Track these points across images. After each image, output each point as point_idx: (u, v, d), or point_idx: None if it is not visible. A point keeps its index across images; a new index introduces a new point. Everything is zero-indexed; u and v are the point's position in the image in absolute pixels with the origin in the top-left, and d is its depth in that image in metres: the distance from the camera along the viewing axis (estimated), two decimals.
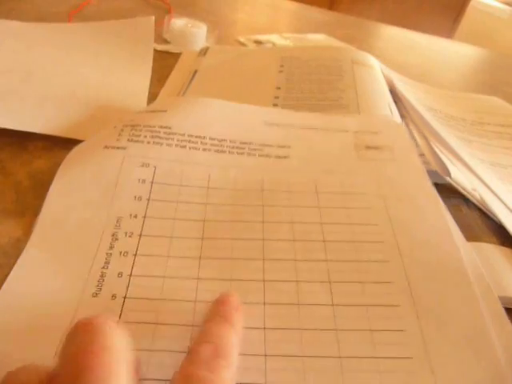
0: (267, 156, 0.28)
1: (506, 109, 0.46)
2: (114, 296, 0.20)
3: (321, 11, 0.76)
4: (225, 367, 0.15)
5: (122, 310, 0.19)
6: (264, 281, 0.21)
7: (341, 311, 0.20)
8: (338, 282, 0.21)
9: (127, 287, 0.20)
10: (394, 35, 0.74)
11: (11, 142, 0.29)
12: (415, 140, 0.34)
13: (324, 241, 0.23)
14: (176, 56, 0.46)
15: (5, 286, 0.20)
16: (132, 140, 0.27)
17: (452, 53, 0.69)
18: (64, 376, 0.13)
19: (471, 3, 1.65)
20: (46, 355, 0.17)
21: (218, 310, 0.18)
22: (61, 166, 0.26)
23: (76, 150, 0.27)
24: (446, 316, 0.20)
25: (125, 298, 0.20)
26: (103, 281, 0.20)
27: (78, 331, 0.14)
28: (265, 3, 0.76)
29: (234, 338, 0.17)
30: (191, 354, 0.16)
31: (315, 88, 0.37)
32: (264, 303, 0.20)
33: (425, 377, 0.18)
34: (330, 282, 0.21)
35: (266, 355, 0.18)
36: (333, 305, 0.20)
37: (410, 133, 0.35)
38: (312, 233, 0.24)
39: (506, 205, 0.29)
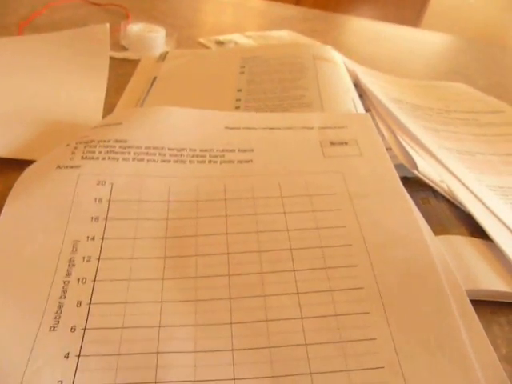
0: (229, 162, 0.27)
1: (471, 94, 0.47)
2: (73, 328, 0.19)
3: (285, 6, 0.75)
4: None
5: (82, 343, 0.18)
6: (230, 299, 0.20)
7: (310, 324, 0.19)
8: (306, 292, 0.20)
9: (87, 317, 0.19)
10: (359, 27, 0.74)
11: None
12: (382, 134, 0.33)
13: (291, 249, 0.22)
14: (135, 63, 0.44)
15: None
16: (86, 157, 0.26)
17: (417, 41, 0.70)
18: None
19: None
20: None
21: None
22: (11, 191, 0.25)
23: (27, 172, 0.26)
24: (416, 319, 0.19)
25: (84, 329, 0.19)
26: (61, 312, 0.19)
27: None
28: (229, 2, 0.75)
29: None
30: None
31: (277, 87, 0.36)
32: (231, 323, 0.19)
33: None
34: (298, 294, 0.20)
35: (234, 379, 0.17)
36: (302, 318, 0.19)
37: (377, 126, 0.34)
38: (279, 241, 0.23)
39: (473, 193, 0.29)
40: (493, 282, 0.23)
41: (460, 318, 0.19)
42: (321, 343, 0.19)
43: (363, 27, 0.73)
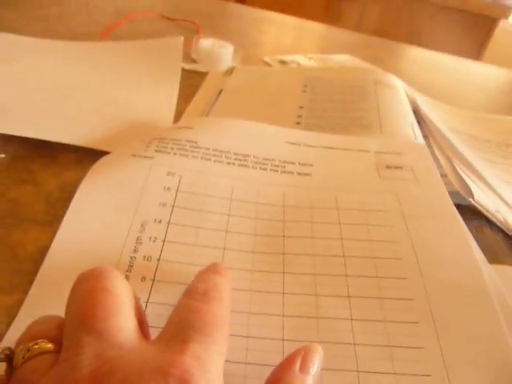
0: (289, 173, 0.29)
1: None
2: None
3: (346, 32, 0.77)
4: (217, 300, 0.16)
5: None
6: (284, 293, 0.21)
7: (359, 326, 0.20)
8: (356, 296, 0.21)
9: (149, 292, 0.21)
10: (419, 56, 0.74)
11: (43, 155, 0.31)
12: (438, 160, 0.34)
13: (344, 256, 0.23)
14: (203, 75, 0.47)
15: (33, 287, 0.20)
16: (159, 151, 0.28)
17: (478, 74, 0.69)
18: (70, 319, 0.15)
19: (500, 24, 1.64)
20: None
21: (208, 268, 0.19)
22: (88, 173, 0.27)
23: (103, 159, 0.28)
24: (465, 335, 0.20)
25: (147, 302, 0.20)
26: None
27: (83, 279, 0.16)
28: (291, 25, 0.78)
29: (224, 282, 0.18)
30: (188, 290, 0.17)
31: (338, 107, 0.37)
32: (283, 315, 0.20)
33: None
34: (349, 297, 0.21)
35: None
36: (351, 319, 0.20)
37: (433, 153, 0.35)
38: (332, 248, 0.24)
39: None
40: None
41: (509, 336, 0.19)
42: (369, 345, 0.19)
43: (424, 57, 0.74)
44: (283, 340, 0.19)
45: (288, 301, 0.21)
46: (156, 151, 0.28)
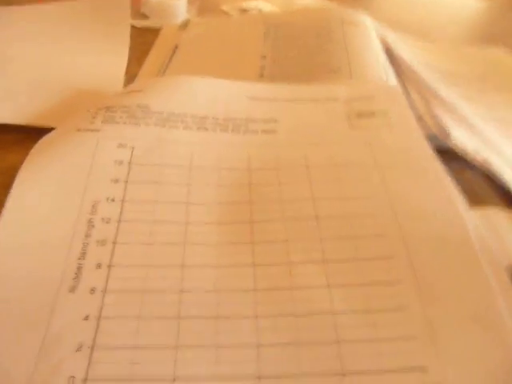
0: (253, 132, 0.26)
1: (509, 60, 0.44)
2: (92, 290, 0.19)
3: None
4: None
5: (102, 305, 0.18)
6: (254, 265, 0.20)
7: (337, 293, 0.18)
8: (333, 260, 0.20)
9: (107, 279, 0.19)
10: None
11: None
12: (413, 102, 0.32)
13: (317, 217, 0.22)
14: (156, 32, 0.43)
15: None
16: (107, 121, 0.25)
17: (452, 4, 0.66)
18: None
19: None
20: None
21: None
22: (30, 153, 0.24)
23: (45, 137, 0.26)
24: (450, 292, 0.18)
25: (104, 291, 0.19)
26: (80, 273, 0.19)
27: None
28: None
29: None
30: None
31: (303, 53, 0.34)
32: (255, 290, 0.19)
33: (431, 356, 0.16)
34: (324, 262, 0.20)
35: (258, 345, 0.17)
36: (328, 286, 0.19)
37: (407, 95, 0.32)
38: (304, 209, 0.22)
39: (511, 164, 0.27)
40: None
41: (497, 290, 0.18)
42: (348, 312, 0.18)
43: None
44: (256, 317, 0.18)
45: (259, 273, 0.19)
46: (103, 122, 0.25)
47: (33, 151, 0.24)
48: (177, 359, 0.17)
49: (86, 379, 0.16)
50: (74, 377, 0.16)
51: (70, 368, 0.16)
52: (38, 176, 0.23)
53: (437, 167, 0.24)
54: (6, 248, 0.20)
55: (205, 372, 0.16)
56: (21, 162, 0.26)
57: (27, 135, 0.28)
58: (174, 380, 0.16)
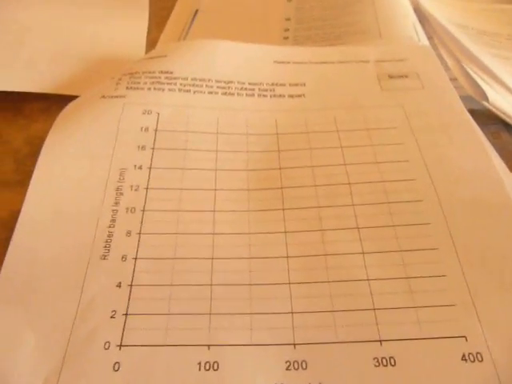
0: (280, 96, 0.26)
1: None
2: (124, 257, 0.19)
3: None
4: None
5: (133, 273, 0.18)
6: (286, 232, 0.19)
7: (372, 259, 0.18)
8: (367, 227, 0.19)
9: (137, 247, 0.19)
10: None
11: (5, 108, 0.28)
12: (445, 63, 0.30)
13: (349, 183, 0.21)
14: None
15: (7, 257, 0.18)
16: (131, 88, 0.25)
17: None
18: None
19: None
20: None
21: None
22: (55, 122, 0.24)
23: (71, 104, 0.25)
24: (490, 257, 0.18)
25: (136, 258, 0.19)
26: (111, 241, 0.19)
27: None
28: None
29: None
30: None
31: (329, 14, 0.33)
32: (287, 256, 0.18)
33: (471, 324, 0.16)
34: (358, 229, 0.19)
35: (292, 312, 0.17)
36: (363, 253, 0.18)
37: (439, 55, 0.31)
38: (336, 175, 0.21)
39: None
40: None
41: None
42: (384, 279, 0.17)
43: None
44: (289, 284, 0.18)
45: (291, 240, 0.19)
46: (127, 88, 0.25)
47: (58, 120, 0.24)
48: (210, 326, 0.17)
49: (120, 345, 0.16)
50: (109, 342, 0.16)
51: (105, 334, 0.16)
52: (65, 145, 0.23)
53: (474, 129, 0.23)
54: (35, 217, 0.20)
55: (239, 339, 0.16)
56: (46, 131, 0.25)
57: (51, 104, 0.27)
58: (209, 347, 0.16)
